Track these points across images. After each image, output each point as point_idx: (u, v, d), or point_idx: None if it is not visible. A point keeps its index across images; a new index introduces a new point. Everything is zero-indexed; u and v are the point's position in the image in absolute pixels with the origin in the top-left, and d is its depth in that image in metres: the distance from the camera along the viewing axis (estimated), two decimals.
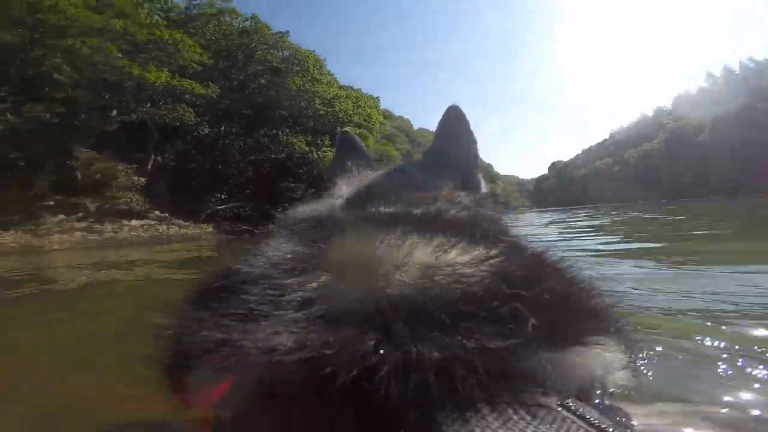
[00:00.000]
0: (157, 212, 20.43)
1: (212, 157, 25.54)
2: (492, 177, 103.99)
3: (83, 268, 6.47)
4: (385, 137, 41.83)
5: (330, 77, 34.61)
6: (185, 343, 0.40)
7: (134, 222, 18.68)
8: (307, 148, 27.98)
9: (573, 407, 0.31)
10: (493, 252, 0.42)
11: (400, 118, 64.98)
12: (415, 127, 66.76)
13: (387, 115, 52.44)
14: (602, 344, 0.38)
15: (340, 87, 36.34)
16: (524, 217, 24.38)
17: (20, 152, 16.93)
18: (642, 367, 0.43)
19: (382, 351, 0.32)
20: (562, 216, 19.15)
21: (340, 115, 30.89)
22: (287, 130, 28.87)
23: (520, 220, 16.86)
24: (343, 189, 0.75)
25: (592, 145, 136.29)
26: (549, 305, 0.36)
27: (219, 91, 23.04)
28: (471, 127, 0.79)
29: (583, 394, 0.35)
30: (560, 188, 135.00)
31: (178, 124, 21.59)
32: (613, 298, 0.45)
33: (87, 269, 6.34)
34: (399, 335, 0.33)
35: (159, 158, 23.56)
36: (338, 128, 32.21)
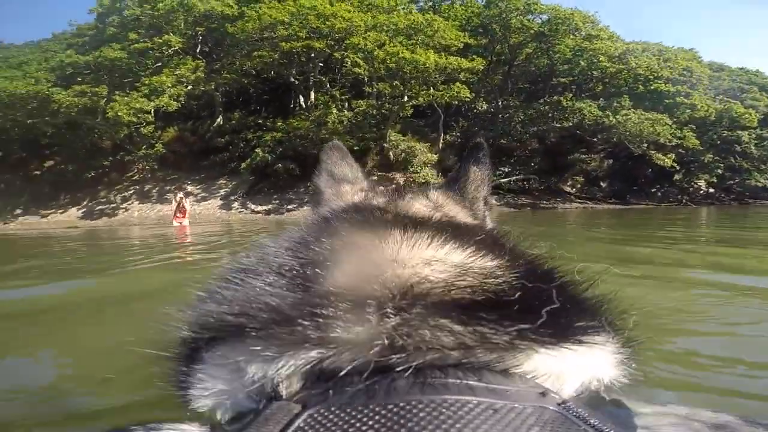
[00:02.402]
0: None
1: (493, 131, 24.99)
2: None
3: None
4: (724, 93, 30.27)
5: (610, 33, 27.87)
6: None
7: None
8: (600, 113, 23.85)
9: (572, 407, 0.31)
10: (510, 260, 0.45)
11: (744, 69, 45.85)
12: None
13: (718, 68, 38.16)
14: (600, 342, 0.39)
15: (629, 42, 28.81)
16: None
17: (354, 139, 21.45)
18: (641, 365, 0.42)
19: (400, 333, 0.33)
20: None
21: (640, 71, 25.40)
22: (571, 96, 25.57)
23: None
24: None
25: None
26: (549, 303, 0.37)
27: (484, 62, 22.63)
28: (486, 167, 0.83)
29: (582, 394, 0.36)
30: None
31: (456, 102, 22.23)
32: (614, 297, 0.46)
33: None
34: (415, 321, 0.34)
35: (447, 136, 25.00)
36: (640, 86, 26.90)
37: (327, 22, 20.10)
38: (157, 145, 22.15)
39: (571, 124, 24.49)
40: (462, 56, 21.24)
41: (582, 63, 26.04)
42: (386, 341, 0.33)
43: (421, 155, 21.65)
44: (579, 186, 25.21)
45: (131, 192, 23.33)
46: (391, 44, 20.04)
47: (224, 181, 23.10)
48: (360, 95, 24.40)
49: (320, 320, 0.34)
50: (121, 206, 22.42)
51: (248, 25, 20.81)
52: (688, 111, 24.89)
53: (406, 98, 21.42)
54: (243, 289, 0.40)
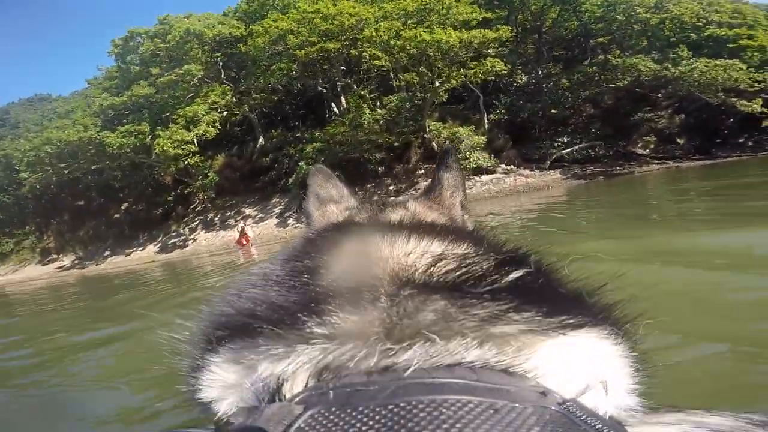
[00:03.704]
0: (503, 166, 20.41)
1: (540, 102, 23.11)
2: None
3: None
4: None
5: None
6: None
7: (484, 177, 19.34)
8: (658, 66, 21.22)
9: (573, 407, 0.31)
10: (488, 247, 0.47)
11: None
12: None
13: (766, 8, 33.30)
14: (601, 336, 0.39)
15: None
16: None
17: (393, 136, 20.78)
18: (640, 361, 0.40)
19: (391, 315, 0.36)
20: None
21: (686, 19, 22.67)
22: (619, 53, 23.22)
23: None
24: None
25: None
26: (540, 294, 0.38)
27: (511, 30, 21.15)
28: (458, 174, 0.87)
29: (581, 393, 0.35)
30: None
31: (492, 78, 20.92)
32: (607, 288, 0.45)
33: None
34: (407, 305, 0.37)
35: (491, 116, 23.54)
36: (691, 34, 23.72)
37: (334, 22, 19.87)
38: (210, 174, 23.09)
39: (626, 82, 21.96)
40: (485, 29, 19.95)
41: (619, 17, 23.42)
42: (382, 328, 0.35)
43: (468, 140, 20.42)
44: (652, 146, 22.54)
45: (196, 222, 24.60)
46: (406, 30, 19.26)
47: (277, 199, 23.53)
48: (389, 91, 23.76)
49: (323, 316, 0.36)
50: (190, 237, 23.70)
51: (258, 41, 21.08)
52: (757, 54, 21.14)
53: (437, 84, 20.39)
54: (250, 293, 0.43)
